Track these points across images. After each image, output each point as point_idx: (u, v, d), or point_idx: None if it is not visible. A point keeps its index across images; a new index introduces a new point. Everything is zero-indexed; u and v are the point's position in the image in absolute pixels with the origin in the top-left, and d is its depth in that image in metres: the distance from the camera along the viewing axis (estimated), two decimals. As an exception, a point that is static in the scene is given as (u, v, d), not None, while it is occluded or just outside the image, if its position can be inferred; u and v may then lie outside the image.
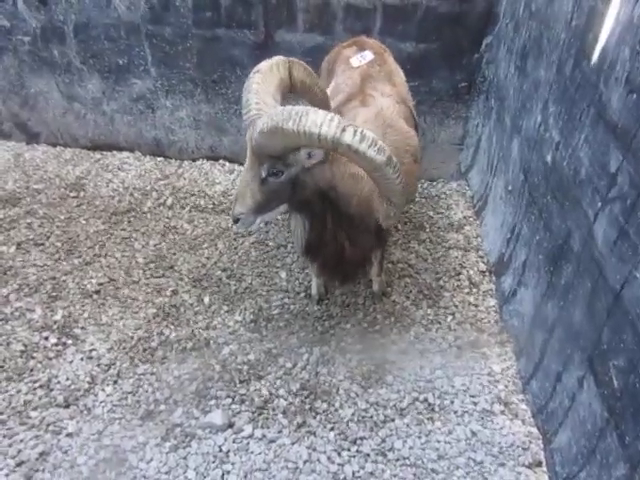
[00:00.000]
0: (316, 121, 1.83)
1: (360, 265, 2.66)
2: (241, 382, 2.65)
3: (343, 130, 1.83)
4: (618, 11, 1.93)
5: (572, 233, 2.22)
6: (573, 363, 2.12)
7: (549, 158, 2.52)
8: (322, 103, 2.45)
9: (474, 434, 2.43)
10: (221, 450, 2.35)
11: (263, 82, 2.16)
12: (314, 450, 2.36)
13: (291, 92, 2.36)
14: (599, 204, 1.98)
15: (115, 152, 4.44)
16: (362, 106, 2.58)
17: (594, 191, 2.03)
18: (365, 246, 2.52)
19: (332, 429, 2.45)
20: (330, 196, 2.23)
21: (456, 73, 3.81)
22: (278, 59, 2.27)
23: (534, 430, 2.42)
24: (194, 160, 4.37)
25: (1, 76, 4.26)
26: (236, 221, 2.18)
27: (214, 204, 3.86)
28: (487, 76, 3.73)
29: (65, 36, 4.01)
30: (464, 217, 3.78)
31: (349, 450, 2.36)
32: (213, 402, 2.55)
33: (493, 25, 3.58)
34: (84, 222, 3.66)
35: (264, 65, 2.22)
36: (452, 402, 2.56)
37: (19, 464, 2.27)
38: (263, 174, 2.07)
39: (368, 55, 2.90)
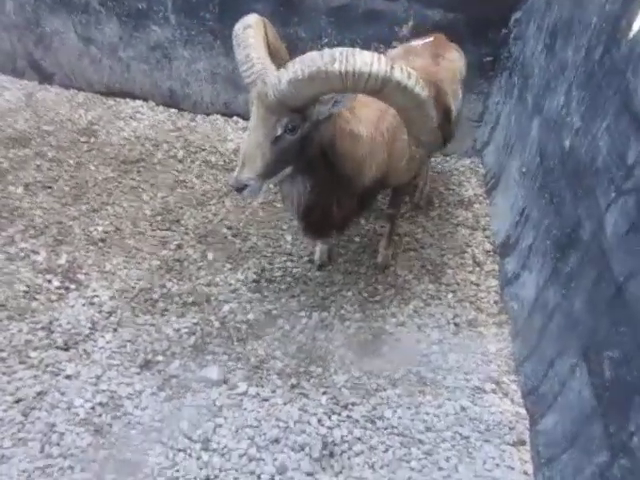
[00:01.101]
0: (366, 60, 1.80)
1: (342, 227, 2.66)
2: (239, 340, 2.69)
3: (392, 68, 1.82)
4: (656, -3, 1.86)
5: (582, 221, 2.20)
6: (568, 350, 2.13)
7: (567, 143, 2.48)
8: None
9: (463, 409, 2.47)
10: (215, 404, 2.41)
11: (257, 37, 2.11)
12: (305, 412, 2.41)
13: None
14: (613, 195, 1.96)
15: (129, 100, 4.38)
16: None
17: (609, 181, 2.00)
18: (349, 209, 2.51)
19: (325, 393, 2.49)
20: (328, 155, 2.20)
21: (482, 47, 3.71)
22: (257, 17, 2.22)
23: (522, 411, 2.47)
24: (208, 115, 4.32)
25: (17, 12, 4.17)
26: (241, 189, 2.06)
27: (225, 161, 3.83)
28: (513, 52, 3.63)
29: (85, -25, 3.91)
30: (475, 195, 3.75)
31: (339, 415, 2.41)
32: (210, 357, 2.59)
33: (524, 0, 3.47)
34: (93, 168, 3.65)
35: (252, 19, 2.18)
36: (445, 377, 2.60)
37: (17, 401, 2.32)
38: (279, 131, 1.99)
39: (428, 39, 3.04)
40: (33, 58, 4.39)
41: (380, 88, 1.86)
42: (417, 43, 3.03)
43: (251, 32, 2.11)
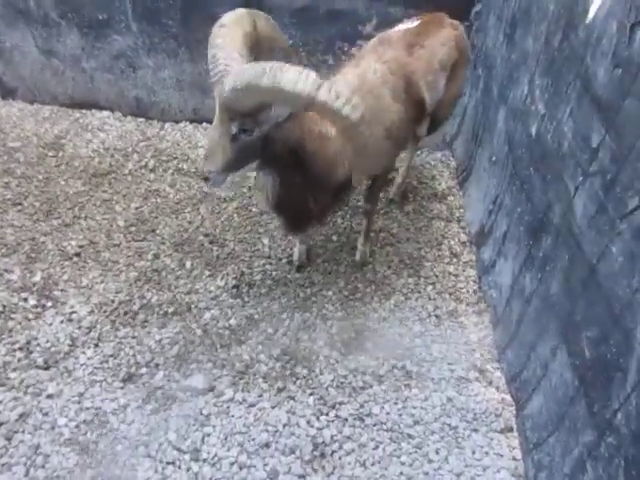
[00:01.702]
0: (292, 78, 1.80)
1: (320, 221, 2.70)
2: (222, 347, 2.67)
3: (318, 87, 1.81)
4: (610, -17, 1.90)
5: (552, 206, 2.24)
6: (548, 333, 2.17)
7: (534, 130, 2.52)
8: (287, 56, 2.36)
9: (449, 400, 2.50)
10: (202, 413, 2.39)
11: (229, 36, 2.11)
12: (293, 414, 2.41)
13: (256, 45, 2.29)
14: (580, 178, 2.00)
15: (95, 111, 4.31)
16: (354, 67, 2.58)
17: (576, 165, 2.04)
18: (325, 203, 2.54)
19: (311, 394, 2.49)
20: (298, 154, 2.23)
21: (445, 40, 3.74)
22: (242, 11, 2.22)
23: (507, 397, 2.50)
24: (177, 122, 4.28)
25: (-26, 28, 4.08)
26: (206, 179, 2.14)
27: (196, 168, 3.80)
28: (476, 45, 3.68)
29: (42, -13, 3.84)
30: (447, 187, 3.79)
31: (328, 415, 2.41)
32: (194, 366, 2.57)
33: (484, -8, 3.52)
34: (63, 183, 3.59)
35: (228, 18, 2.17)
36: (429, 370, 2.63)
37: (-1, 425, 2.28)
38: (233, 130, 2.03)
39: (413, 22, 2.95)
40: (-6, 74, 4.30)
41: (308, 105, 1.87)
42: (399, 29, 2.92)
43: (223, 31, 2.11)
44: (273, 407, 2.43)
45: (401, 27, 2.94)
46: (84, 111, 4.31)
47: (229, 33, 2.12)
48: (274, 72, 1.81)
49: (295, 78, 1.80)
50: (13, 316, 2.72)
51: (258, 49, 2.31)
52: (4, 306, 2.75)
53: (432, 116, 3.06)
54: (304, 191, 2.40)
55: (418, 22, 2.94)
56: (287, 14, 3.71)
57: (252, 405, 2.43)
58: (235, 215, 3.44)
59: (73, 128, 4.12)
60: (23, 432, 2.27)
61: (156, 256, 3.13)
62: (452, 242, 3.35)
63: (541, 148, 2.42)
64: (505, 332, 2.65)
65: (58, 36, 4.04)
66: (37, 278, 2.92)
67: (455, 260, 3.24)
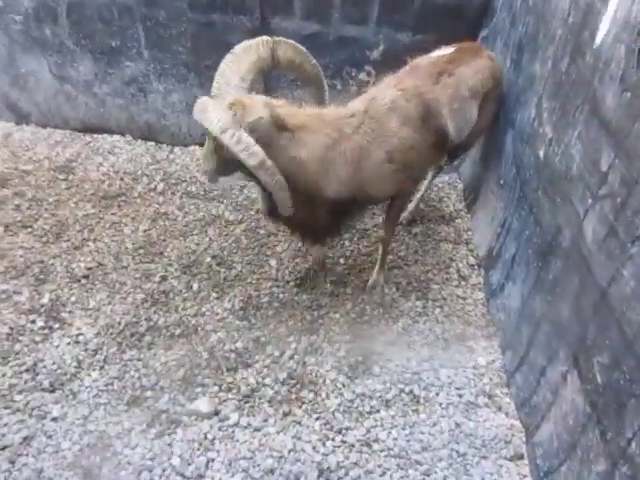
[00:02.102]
0: (210, 119, 2.11)
1: (326, 233, 2.83)
2: (228, 370, 2.65)
3: (223, 132, 2.09)
4: (615, 9, 1.92)
5: (562, 229, 2.23)
6: (558, 358, 2.14)
7: (541, 153, 2.52)
8: (315, 78, 2.67)
9: (458, 426, 2.45)
10: (206, 437, 2.36)
11: (234, 63, 2.32)
12: (299, 439, 2.37)
13: (276, 69, 2.55)
14: (589, 201, 1.99)
15: (106, 135, 4.38)
16: (368, 91, 2.71)
17: (585, 188, 2.03)
18: (323, 217, 2.61)
19: (318, 419, 2.46)
20: (287, 173, 2.34)
21: (452, 65, 3.78)
22: (261, 39, 2.40)
23: (517, 423, 2.45)
24: (186, 146, 4.33)
25: (-9, 55, 4.19)
26: (205, 173, 2.50)
27: (205, 190, 3.83)
28: (483, 69, 3.71)
29: (58, 16, 3.93)
30: (455, 210, 3.78)
31: (334, 440, 2.37)
32: (200, 389, 2.55)
33: (490, 18, 3.56)
34: (73, 205, 3.63)
35: (240, 45, 2.37)
36: (437, 394, 2.58)
37: (2, 448, 2.26)
38: (212, 146, 2.30)
39: (448, 50, 2.99)
40: (9, 99, 4.39)
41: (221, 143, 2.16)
42: (432, 55, 2.98)
43: (229, 57, 2.32)
44: (278, 432, 2.40)
45: (436, 54, 2.99)
46: (95, 135, 4.38)
47: (235, 60, 2.31)
48: (202, 109, 2.13)
49: (211, 119, 2.10)
50: (21, 338, 2.72)
51: (282, 72, 2.70)
52: (12, 328, 2.75)
53: (457, 144, 3.02)
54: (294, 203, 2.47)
55: (453, 49, 2.98)
56: (296, 40, 3.76)
57: (257, 430, 2.40)
58: (243, 237, 3.45)
59: (84, 151, 4.18)
60: (27, 455, 2.25)
61: (163, 278, 3.13)
62: (460, 265, 3.33)
63: (549, 171, 2.41)
64: (514, 356, 2.61)
65: (72, 62, 4.13)
66: (45, 300, 2.93)
67: (463, 283, 3.22)
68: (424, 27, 3.64)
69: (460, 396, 2.58)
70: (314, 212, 2.57)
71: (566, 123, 2.27)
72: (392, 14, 3.61)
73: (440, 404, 2.54)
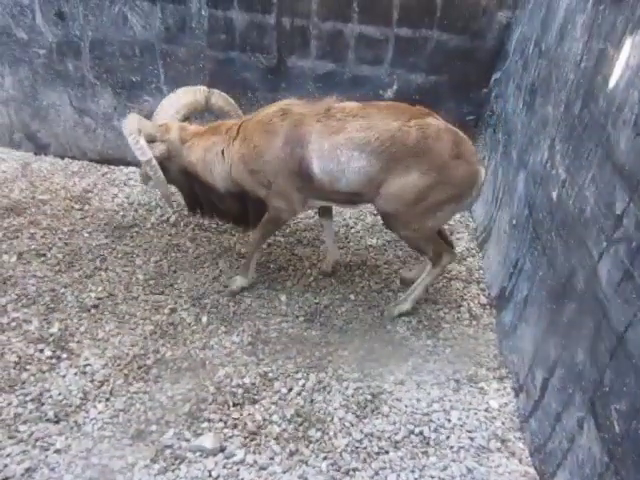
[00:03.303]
0: (124, 125, 2.83)
1: (245, 219, 3.24)
2: (235, 405, 2.61)
3: (129, 134, 2.79)
4: (628, 55, 1.95)
5: (576, 271, 2.21)
6: (574, 404, 2.08)
7: (555, 195, 2.52)
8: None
9: (469, 471, 2.38)
10: (210, 475, 2.30)
11: (173, 98, 3.13)
12: (305, 480, 2.31)
13: (208, 112, 3.37)
14: (604, 244, 1.97)
15: (122, 167, 4.46)
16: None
17: (599, 231, 2.02)
18: (230, 207, 3.17)
19: (325, 458, 2.40)
20: (192, 175, 3.06)
21: (464, 106, 3.85)
22: (198, 88, 3.18)
23: (531, 470, 2.38)
24: (200, 179, 4.38)
25: (16, 87, 4.31)
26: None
27: (217, 223, 3.86)
28: (495, 110, 3.76)
29: (80, 51, 4.07)
30: (467, 249, 3.77)
31: (341, 482, 2.31)
32: (205, 425, 2.51)
33: (503, 61, 3.63)
34: (87, 235, 3.66)
35: (182, 88, 3.17)
36: (448, 437, 2.52)
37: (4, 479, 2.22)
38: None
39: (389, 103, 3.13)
40: (29, 130, 4.50)
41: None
42: (373, 102, 2.97)
43: (171, 95, 3.19)
44: (284, 471, 2.34)
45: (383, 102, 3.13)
46: (112, 166, 4.47)
47: (175, 97, 3.13)
48: (125, 121, 2.85)
49: (125, 126, 2.82)
50: (28, 367, 2.70)
51: (213, 113, 3.41)
52: (20, 357, 2.74)
53: (379, 210, 2.90)
54: (209, 199, 3.17)
55: (391, 103, 3.06)
56: (312, 79, 3.86)
57: (263, 468, 2.34)
58: (253, 271, 3.44)
59: (100, 182, 4.25)
60: (28, 488, 2.21)
61: (173, 310, 3.13)
62: (471, 304, 3.30)
63: (563, 213, 2.41)
64: (528, 400, 2.55)
65: (92, 96, 4.25)
66: (54, 329, 2.92)
67: (474, 322, 3.18)
68: (437, 69, 3.72)
69: (471, 439, 2.51)
70: (224, 203, 3.14)
71: (580, 165, 2.28)
72: (406, 56, 3.70)
73: (451, 447, 2.47)
